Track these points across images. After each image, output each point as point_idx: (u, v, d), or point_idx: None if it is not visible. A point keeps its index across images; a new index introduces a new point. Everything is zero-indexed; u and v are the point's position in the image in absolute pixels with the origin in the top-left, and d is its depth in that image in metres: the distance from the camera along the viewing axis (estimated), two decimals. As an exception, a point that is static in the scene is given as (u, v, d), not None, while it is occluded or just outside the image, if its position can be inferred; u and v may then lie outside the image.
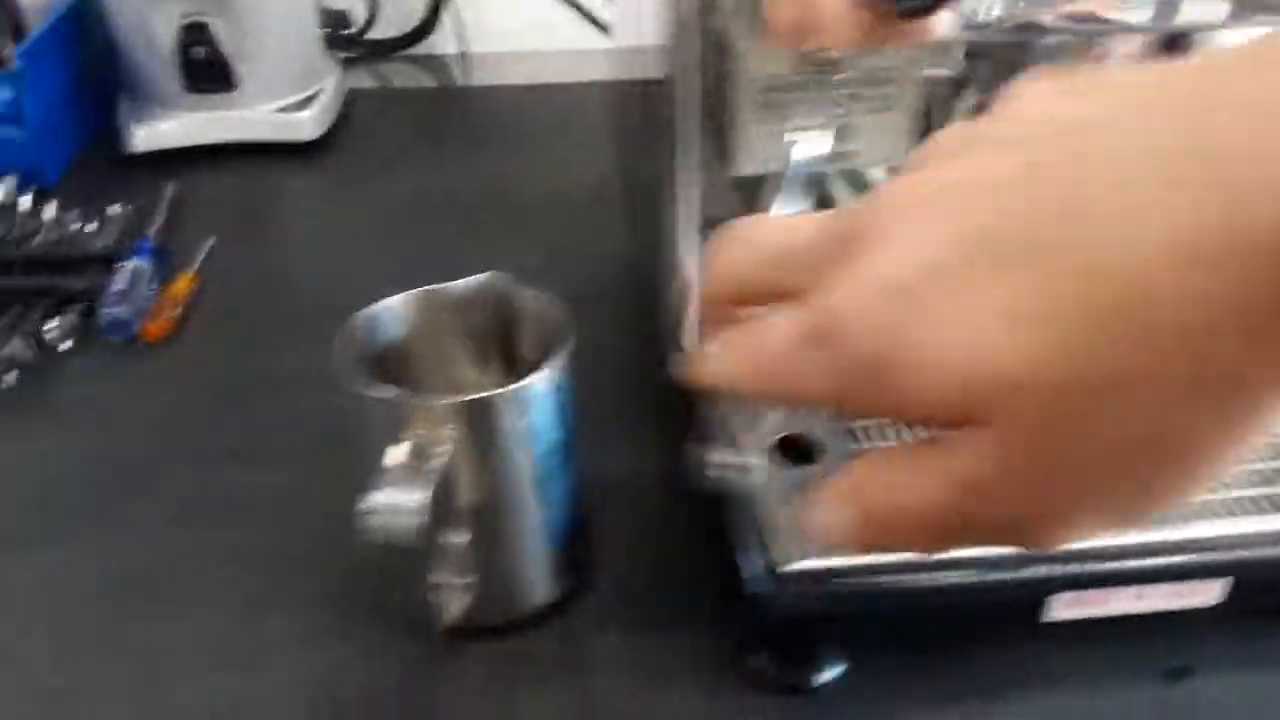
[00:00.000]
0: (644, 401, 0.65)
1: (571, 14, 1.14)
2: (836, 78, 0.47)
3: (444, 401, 0.45)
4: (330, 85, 0.98)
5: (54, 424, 0.66)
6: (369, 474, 0.49)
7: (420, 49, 1.18)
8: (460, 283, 0.52)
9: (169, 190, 0.87)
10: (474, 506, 0.47)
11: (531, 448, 0.47)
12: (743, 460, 0.40)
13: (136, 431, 0.65)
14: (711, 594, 0.53)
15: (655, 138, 0.65)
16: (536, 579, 0.51)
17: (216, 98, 0.91)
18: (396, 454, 0.44)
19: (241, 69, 0.91)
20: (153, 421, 0.66)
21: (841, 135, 0.52)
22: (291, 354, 0.72)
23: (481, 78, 1.17)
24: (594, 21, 1.12)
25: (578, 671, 0.51)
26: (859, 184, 0.59)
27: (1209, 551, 0.48)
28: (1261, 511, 0.49)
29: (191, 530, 0.58)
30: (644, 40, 1.09)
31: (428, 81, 1.17)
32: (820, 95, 0.49)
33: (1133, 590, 0.48)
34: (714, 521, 0.57)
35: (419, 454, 0.44)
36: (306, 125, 0.93)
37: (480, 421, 0.46)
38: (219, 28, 0.88)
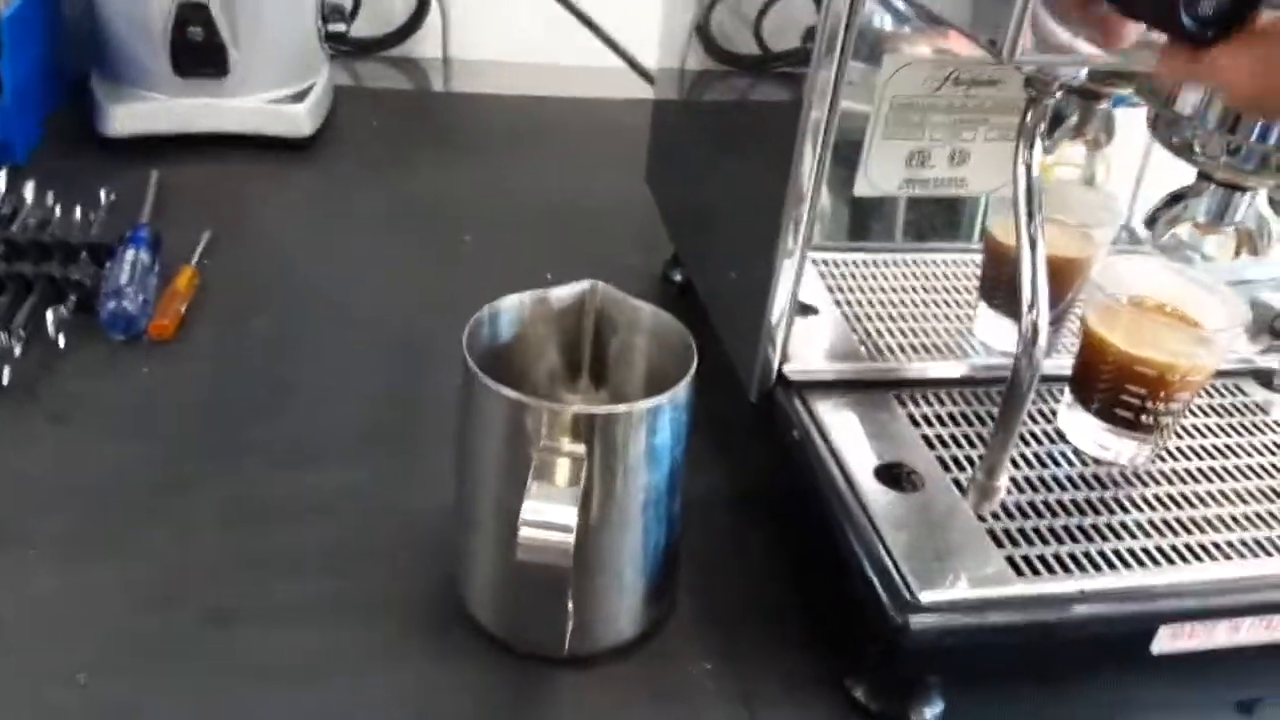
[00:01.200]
0: (714, 426, 0.63)
1: (560, 30, 1.12)
2: (954, 100, 0.47)
3: (582, 411, 0.42)
4: (322, 80, 0.93)
5: (57, 424, 0.60)
6: (479, 479, 0.46)
7: (399, 50, 1.14)
8: (562, 289, 0.50)
9: (154, 178, 0.81)
10: (584, 526, 0.45)
11: (652, 470, 0.45)
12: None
13: (162, 432, 0.60)
14: (804, 622, 0.52)
15: (736, 156, 0.64)
16: (632, 608, 0.49)
17: (205, 84, 0.86)
18: (544, 466, 0.41)
19: (235, 55, 0.85)
20: (175, 421, 0.61)
21: (956, 161, 0.52)
22: (307, 357, 0.68)
23: (462, 84, 1.14)
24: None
25: (671, 700, 0.48)
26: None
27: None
28: (1345, 549, 0.50)
29: (242, 533, 0.53)
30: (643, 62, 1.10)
31: (405, 84, 1.13)
32: (950, 118, 0.49)
33: (1229, 623, 0.49)
34: (804, 548, 0.56)
35: (563, 466, 0.41)
36: (303, 119, 0.89)
37: (610, 437, 0.43)
38: (216, 8, 0.83)
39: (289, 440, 0.60)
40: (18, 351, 0.62)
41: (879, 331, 0.62)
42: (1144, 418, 0.53)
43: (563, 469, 0.41)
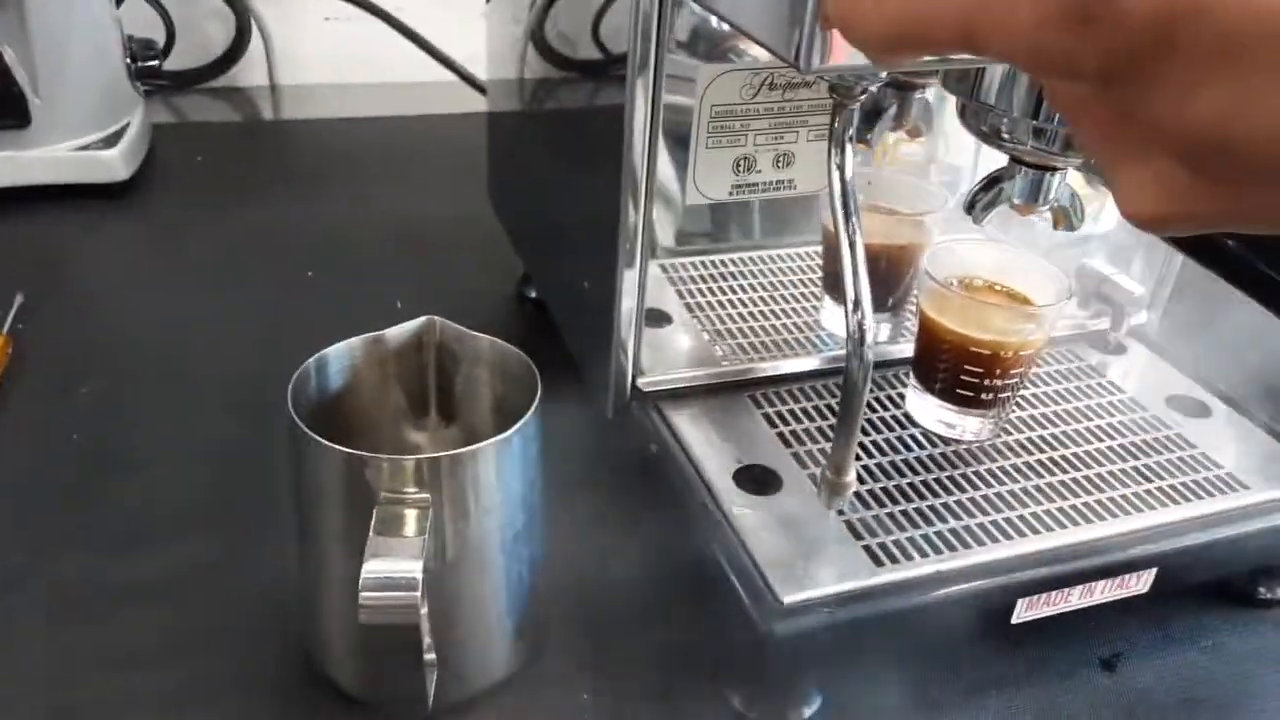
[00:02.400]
0: (570, 445, 0.62)
1: (387, 47, 1.10)
2: (774, 106, 0.48)
3: (423, 458, 0.41)
4: (137, 119, 0.89)
5: None
6: (321, 540, 0.44)
7: (222, 81, 1.09)
8: (398, 328, 0.48)
9: (-44, 241, 0.76)
10: (442, 573, 0.43)
11: (506, 507, 0.44)
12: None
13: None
14: (678, 638, 0.52)
15: (566, 168, 0.63)
16: (501, 650, 0.47)
17: (7, 136, 0.80)
18: (385, 520, 0.39)
19: (37, 102, 0.80)
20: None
21: (781, 164, 0.52)
22: (137, 420, 0.64)
23: (291, 111, 1.10)
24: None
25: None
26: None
27: (1144, 544, 0.51)
28: (1182, 501, 0.53)
29: (82, 628, 0.50)
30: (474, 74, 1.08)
31: (231, 115, 1.09)
32: (770, 123, 0.49)
33: (1083, 587, 0.51)
34: (672, 562, 0.55)
35: (399, 519, 0.40)
36: (116, 164, 0.84)
37: (457, 480, 0.42)
38: (11, 56, 0.78)
39: (120, 520, 0.56)
40: None
41: (731, 333, 0.63)
42: (984, 395, 0.55)
43: (408, 520, 0.39)
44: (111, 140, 0.85)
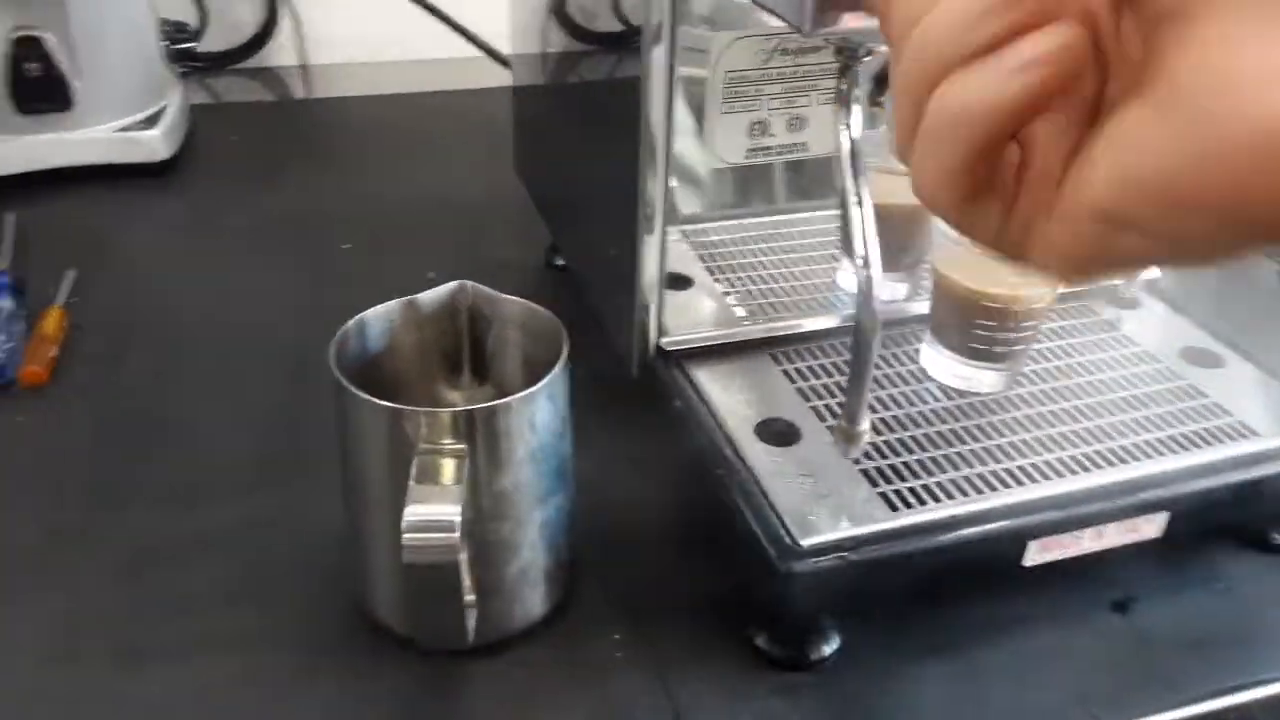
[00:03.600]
0: (600, 403, 0.65)
1: (415, 24, 1.12)
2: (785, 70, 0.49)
3: (459, 410, 0.43)
4: (175, 101, 0.92)
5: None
6: (366, 490, 0.47)
7: (253, 61, 1.12)
8: (432, 292, 0.51)
9: (10, 221, 0.79)
10: (478, 520, 0.46)
11: (537, 457, 0.47)
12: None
13: (43, 482, 0.59)
14: (705, 583, 0.54)
15: (591, 139, 0.65)
16: (535, 591, 0.50)
17: (52, 118, 0.84)
18: (424, 468, 0.42)
19: (78, 86, 0.83)
20: (56, 470, 0.60)
21: (794, 128, 0.54)
22: (188, 389, 0.67)
23: (322, 89, 1.13)
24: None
25: (584, 673, 0.50)
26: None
27: (1154, 489, 0.53)
28: (1193, 448, 0.54)
29: (144, 579, 0.53)
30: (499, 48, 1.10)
31: (264, 95, 1.12)
32: (783, 87, 0.51)
33: (1093, 530, 0.53)
34: (696, 510, 0.58)
35: (443, 468, 0.42)
36: (158, 144, 0.87)
37: (491, 431, 0.44)
38: (52, 41, 0.81)
39: (177, 478, 0.59)
40: (-117, 416, 0.61)
41: (752, 295, 0.65)
42: (997, 348, 0.56)
43: (445, 469, 0.42)
44: (151, 121, 0.87)
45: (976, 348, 0.56)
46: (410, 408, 0.43)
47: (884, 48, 0.45)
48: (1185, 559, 0.57)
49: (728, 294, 0.65)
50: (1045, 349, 0.62)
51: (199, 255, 0.81)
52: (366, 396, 0.43)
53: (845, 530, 0.47)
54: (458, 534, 0.39)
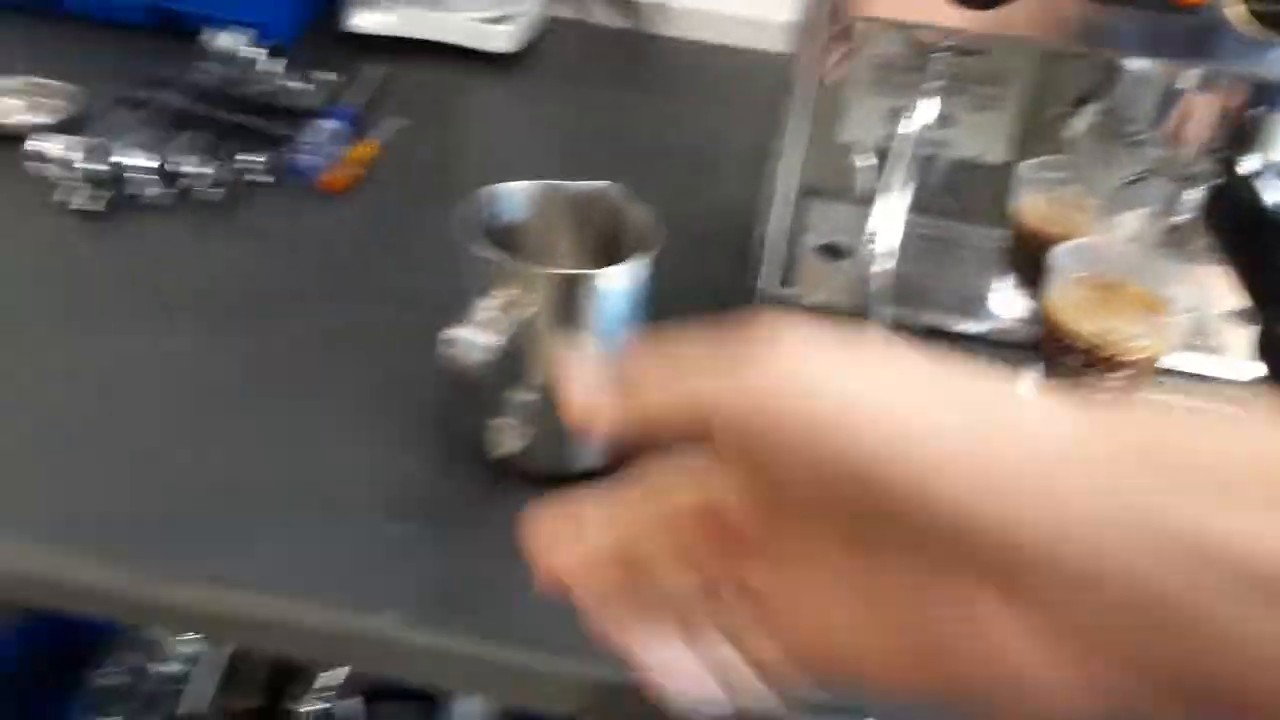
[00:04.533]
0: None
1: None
2: (939, 66, 0.53)
3: (537, 269, 0.53)
4: (532, 7, 1.08)
5: (237, 238, 0.78)
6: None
7: (626, -9, 1.26)
8: (577, 184, 0.60)
9: (380, 73, 0.99)
10: (544, 369, 0.56)
11: (605, 330, 0.55)
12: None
13: (299, 258, 0.76)
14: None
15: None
16: (585, 447, 0.59)
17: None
18: (486, 304, 0.52)
19: (460, -27, 1.01)
20: (315, 252, 0.77)
21: (942, 124, 0.57)
22: (434, 228, 0.82)
23: (671, 28, 1.24)
24: None
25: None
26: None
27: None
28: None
29: (329, 347, 0.69)
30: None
31: (621, 21, 1.26)
32: (927, 82, 0.55)
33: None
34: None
35: (506, 308, 0.53)
36: (501, 39, 1.04)
37: (565, 294, 0.54)
38: (449, -64, 0.99)
39: (417, 287, 0.73)
40: (227, 181, 0.81)
41: (902, 282, 0.68)
42: (1080, 389, 0.57)
43: (508, 310, 0.52)
44: (503, 19, 1.04)
45: (1057, 381, 0.57)
46: (500, 258, 0.53)
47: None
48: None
49: (879, 277, 0.69)
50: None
51: (504, 136, 0.97)
52: (478, 246, 0.54)
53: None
54: (480, 358, 0.50)
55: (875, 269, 0.46)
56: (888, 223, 0.47)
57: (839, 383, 0.26)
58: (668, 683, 0.30)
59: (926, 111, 0.46)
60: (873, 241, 0.47)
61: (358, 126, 0.90)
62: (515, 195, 0.60)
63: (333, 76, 0.96)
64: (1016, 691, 0.25)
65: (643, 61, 1.15)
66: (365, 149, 0.88)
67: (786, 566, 0.29)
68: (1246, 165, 0.50)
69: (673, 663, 0.30)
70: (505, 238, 0.59)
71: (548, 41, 1.12)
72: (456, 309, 0.53)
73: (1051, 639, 0.24)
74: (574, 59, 1.12)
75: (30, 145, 0.80)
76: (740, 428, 0.27)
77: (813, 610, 0.28)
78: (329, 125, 0.87)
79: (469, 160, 0.93)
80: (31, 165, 0.80)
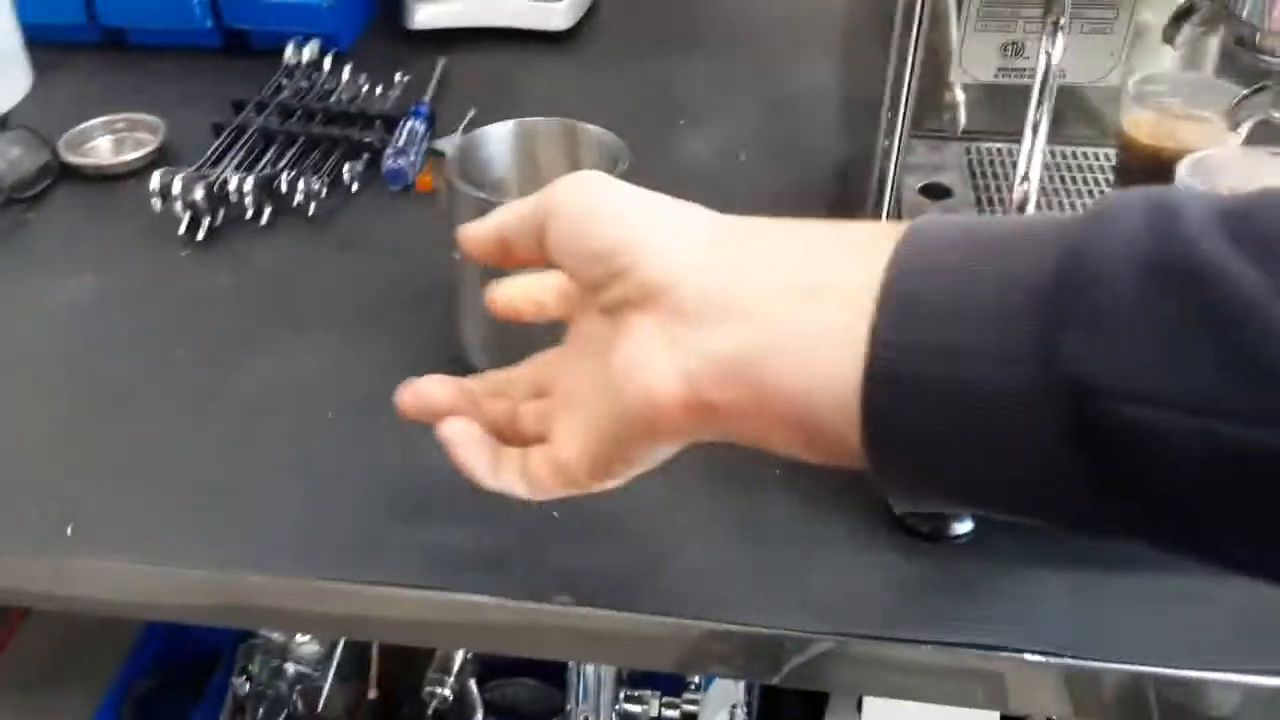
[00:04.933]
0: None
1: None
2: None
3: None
4: (584, -21, 1.08)
5: (348, 248, 0.80)
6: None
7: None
8: (545, 120, 0.66)
9: (440, 64, 0.99)
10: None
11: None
12: None
13: (412, 262, 0.77)
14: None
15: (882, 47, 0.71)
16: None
17: (487, -15, 1.03)
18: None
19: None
20: (426, 254, 0.78)
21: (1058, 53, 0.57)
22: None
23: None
24: None
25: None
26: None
27: None
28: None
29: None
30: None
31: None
32: (1040, 11, 0.54)
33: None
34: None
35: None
36: (556, 16, 1.04)
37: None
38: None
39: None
40: (324, 194, 0.83)
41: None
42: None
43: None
44: (561, -5, 1.04)
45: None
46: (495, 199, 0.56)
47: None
48: None
49: (986, 213, 0.69)
50: None
51: (570, 111, 0.97)
52: (461, 184, 0.57)
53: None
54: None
55: (1028, 210, 0.46)
56: (1033, 160, 0.47)
57: (611, 191, 0.39)
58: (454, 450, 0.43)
59: (1053, 42, 0.45)
60: (1026, 181, 0.47)
61: (433, 122, 0.91)
62: (491, 134, 0.64)
63: (400, 76, 0.97)
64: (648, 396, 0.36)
65: (699, 21, 1.15)
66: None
67: (577, 358, 0.42)
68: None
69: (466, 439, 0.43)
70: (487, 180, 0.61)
71: (603, 13, 1.12)
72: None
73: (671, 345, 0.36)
74: (631, 28, 1.11)
75: (128, 182, 0.82)
76: (548, 219, 0.40)
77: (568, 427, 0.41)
78: (412, 126, 0.88)
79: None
80: (133, 201, 0.82)
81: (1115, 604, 0.54)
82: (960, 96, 0.62)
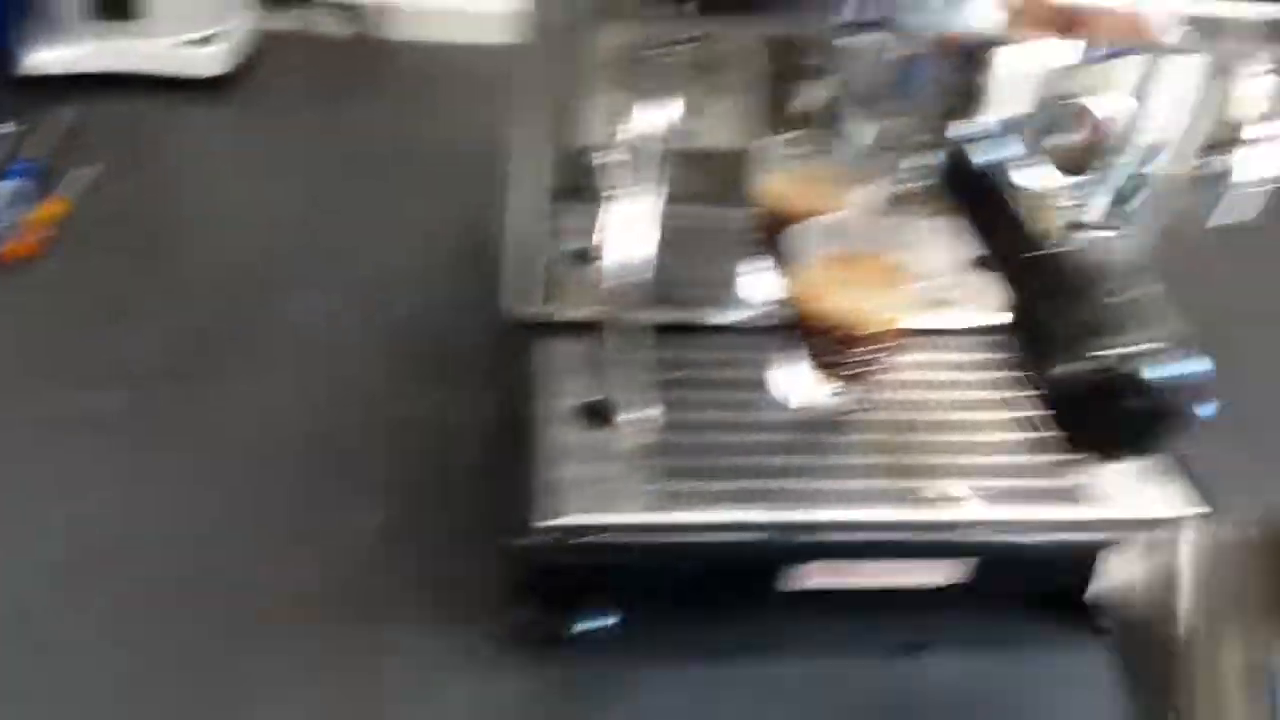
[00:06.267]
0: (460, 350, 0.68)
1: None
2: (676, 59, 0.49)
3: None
4: (240, 23, 0.99)
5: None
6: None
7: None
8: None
9: (65, 115, 0.88)
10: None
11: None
12: None
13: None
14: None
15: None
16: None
17: (121, 25, 0.92)
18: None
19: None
20: (13, 341, 0.68)
21: (687, 116, 0.54)
22: (147, 277, 0.74)
23: (399, 31, 1.17)
24: None
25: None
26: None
27: (955, 531, 0.51)
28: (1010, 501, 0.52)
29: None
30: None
31: (344, 30, 1.17)
32: (665, 74, 0.51)
33: (876, 565, 0.51)
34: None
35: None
36: (208, 61, 0.94)
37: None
38: (122, -43, 0.89)
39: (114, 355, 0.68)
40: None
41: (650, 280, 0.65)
42: (838, 369, 0.55)
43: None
44: (211, 40, 0.95)
45: (815, 364, 0.55)
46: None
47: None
48: (993, 620, 0.55)
49: (628, 276, 0.65)
50: (914, 378, 0.60)
51: (220, 168, 0.89)
52: None
53: (580, 518, 0.48)
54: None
55: (618, 273, 0.43)
56: (633, 222, 0.44)
57: None
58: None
59: (666, 105, 0.43)
60: (612, 245, 0.44)
61: (43, 182, 0.80)
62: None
63: (11, 127, 0.85)
64: None
65: (371, 70, 1.08)
66: (50, 208, 0.78)
67: None
68: (962, 130, 0.50)
69: None
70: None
71: (265, 58, 1.03)
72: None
73: None
74: (296, 74, 1.03)
75: None
76: None
77: None
78: (8, 186, 0.77)
79: (180, 200, 0.84)
80: None
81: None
82: (600, 159, 0.58)
